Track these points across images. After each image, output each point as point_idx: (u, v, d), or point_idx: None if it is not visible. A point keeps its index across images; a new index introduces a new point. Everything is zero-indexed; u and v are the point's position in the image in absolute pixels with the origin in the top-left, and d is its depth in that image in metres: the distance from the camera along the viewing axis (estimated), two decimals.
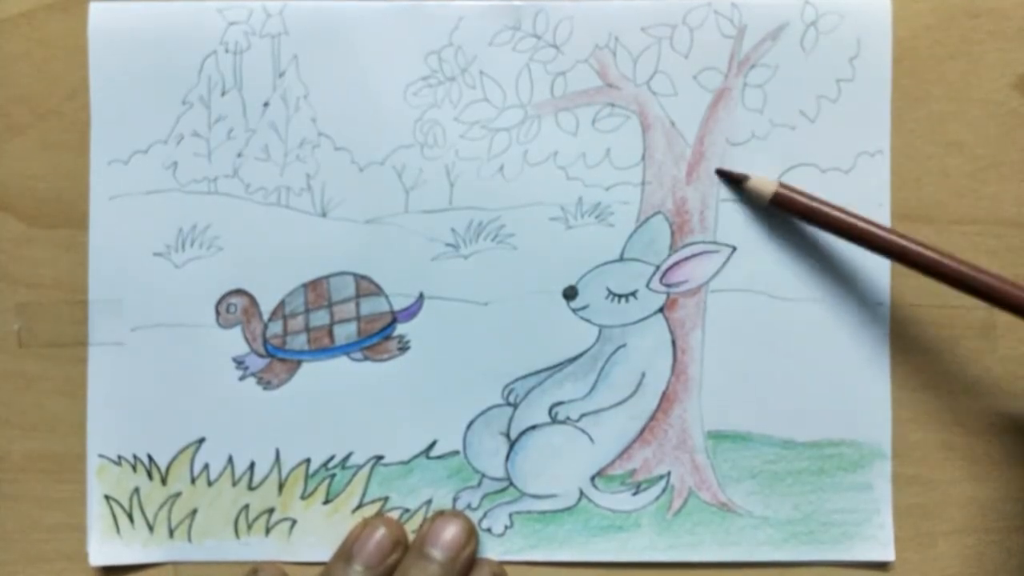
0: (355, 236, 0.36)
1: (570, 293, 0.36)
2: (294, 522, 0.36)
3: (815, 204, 0.34)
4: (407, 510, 0.36)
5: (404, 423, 0.36)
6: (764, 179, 0.34)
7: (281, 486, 0.36)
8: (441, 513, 0.36)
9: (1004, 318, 0.36)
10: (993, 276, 0.32)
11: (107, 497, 0.36)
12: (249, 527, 0.36)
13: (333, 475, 0.36)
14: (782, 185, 0.34)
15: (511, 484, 0.36)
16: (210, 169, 0.36)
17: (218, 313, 0.36)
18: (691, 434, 0.36)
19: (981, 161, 0.36)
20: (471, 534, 0.36)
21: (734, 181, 0.35)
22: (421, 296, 0.36)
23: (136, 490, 0.36)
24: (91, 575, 0.37)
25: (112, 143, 0.36)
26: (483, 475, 0.36)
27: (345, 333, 0.36)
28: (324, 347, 0.36)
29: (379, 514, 0.36)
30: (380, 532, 0.35)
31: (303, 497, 0.36)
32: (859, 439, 0.36)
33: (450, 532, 0.35)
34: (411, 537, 0.36)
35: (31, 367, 0.37)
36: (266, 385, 0.36)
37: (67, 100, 0.36)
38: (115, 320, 0.36)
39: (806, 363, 0.36)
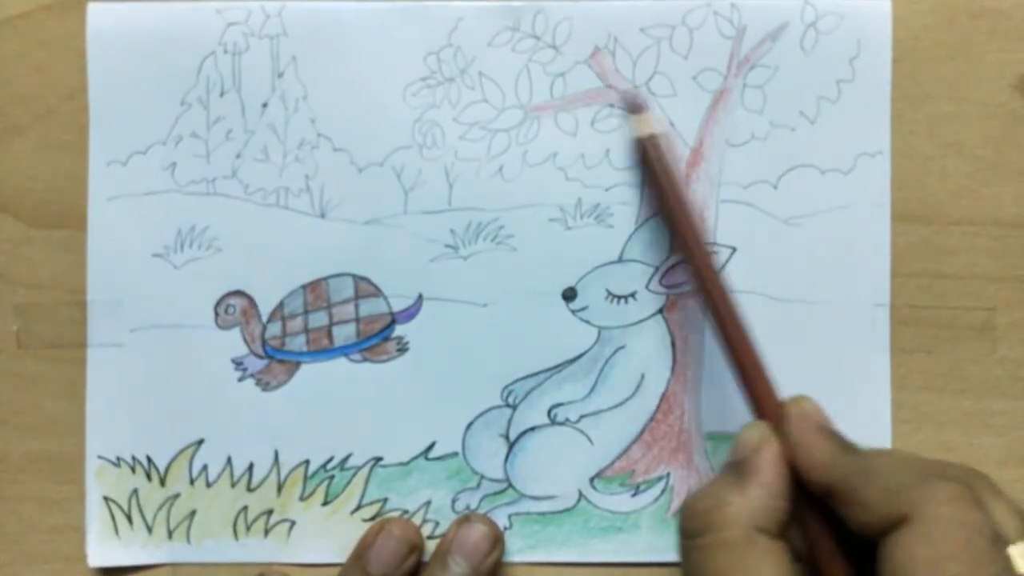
0: (354, 237, 0.36)
1: (569, 294, 0.36)
2: (293, 523, 0.36)
3: (664, 179, 0.30)
4: (406, 511, 0.36)
5: (403, 424, 0.36)
6: (649, 118, 0.31)
7: (280, 487, 0.36)
8: (467, 518, 0.36)
9: (1004, 319, 0.36)
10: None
11: (106, 498, 0.36)
12: (248, 528, 0.36)
13: (332, 476, 0.36)
14: (653, 137, 0.31)
15: (510, 485, 0.36)
16: (209, 170, 0.36)
17: (217, 314, 0.36)
18: (691, 435, 0.36)
19: (981, 161, 0.36)
20: (496, 540, 0.35)
21: (633, 110, 0.33)
22: (420, 297, 0.36)
23: (135, 491, 0.36)
24: None
25: (111, 144, 0.36)
26: (482, 476, 0.36)
27: (344, 334, 0.36)
28: (323, 348, 0.36)
29: (392, 518, 0.36)
30: (394, 537, 0.35)
31: (302, 498, 0.36)
32: (859, 440, 0.36)
33: (474, 539, 0.35)
34: (424, 540, 0.36)
35: (30, 368, 0.37)
36: (265, 386, 0.36)
37: (66, 101, 0.36)
38: (114, 321, 0.36)
39: (806, 364, 0.36)
